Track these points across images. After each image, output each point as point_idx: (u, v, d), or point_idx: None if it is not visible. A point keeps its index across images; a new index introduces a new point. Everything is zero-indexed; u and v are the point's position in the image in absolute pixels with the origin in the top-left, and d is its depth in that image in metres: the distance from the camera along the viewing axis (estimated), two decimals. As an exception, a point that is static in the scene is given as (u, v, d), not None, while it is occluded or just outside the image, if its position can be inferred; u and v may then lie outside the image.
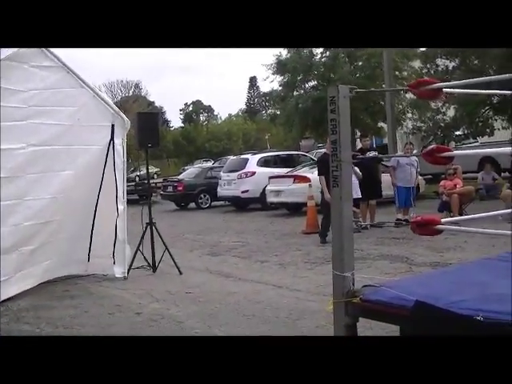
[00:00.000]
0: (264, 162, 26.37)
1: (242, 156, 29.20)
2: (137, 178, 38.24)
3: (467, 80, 4.71)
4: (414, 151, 27.02)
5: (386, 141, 33.30)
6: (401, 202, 16.29)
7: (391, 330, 4.85)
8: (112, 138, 10.94)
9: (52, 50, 9.74)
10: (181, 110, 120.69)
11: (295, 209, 22.05)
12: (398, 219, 15.51)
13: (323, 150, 20.84)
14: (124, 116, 11.30)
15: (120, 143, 11.10)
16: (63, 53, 10.03)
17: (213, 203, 28.68)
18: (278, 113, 46.52)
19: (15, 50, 9.05)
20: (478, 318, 3.37)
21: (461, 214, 15.67)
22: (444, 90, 4.38)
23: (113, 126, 10.96)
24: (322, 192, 14.57)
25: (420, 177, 22.65)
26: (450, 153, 4.06)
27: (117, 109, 11.28)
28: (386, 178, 17.56)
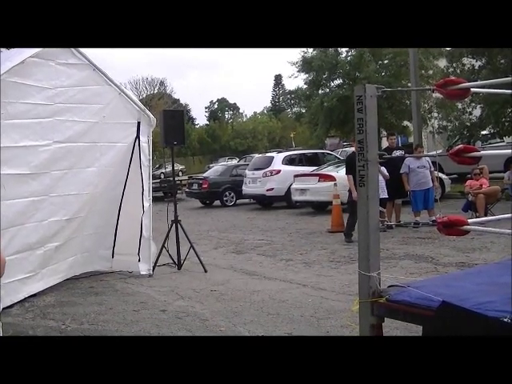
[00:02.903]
0: (289, 161, 26.21)
1: (267, 154, 29.18)
2: (162, 176, 38.48)
3: (494, 80, 4.68)
4: (439, 151, 26.88)
5: (411, 140, 33.15)
6: (418, 206, 16.08)
7: (418, 330, 4.82)
8: (138, 136, 10.98)
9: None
10: (206, 108, 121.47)
11: (320, 207, 22.05)
12: (415, 222, 15.39)
13: (348, 149, 20.66)
14: (150, 113, 11.33)
15: (145, 141, 11.13)
16: (88, 50, 10.08)
17: (238, 201, 28.65)
18: (304, 111, 46.47)
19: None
20: (506, 320, 3.34)
21: (486, 214, 15.56)
22: (471, 89, 4.35)
23: (138, 123, 11.01)
24: (349, 191, 14.50)
25: (445, 176, 22.53)
26: (477, 153, 4.02)
27: (142, 106, 11.32)
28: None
